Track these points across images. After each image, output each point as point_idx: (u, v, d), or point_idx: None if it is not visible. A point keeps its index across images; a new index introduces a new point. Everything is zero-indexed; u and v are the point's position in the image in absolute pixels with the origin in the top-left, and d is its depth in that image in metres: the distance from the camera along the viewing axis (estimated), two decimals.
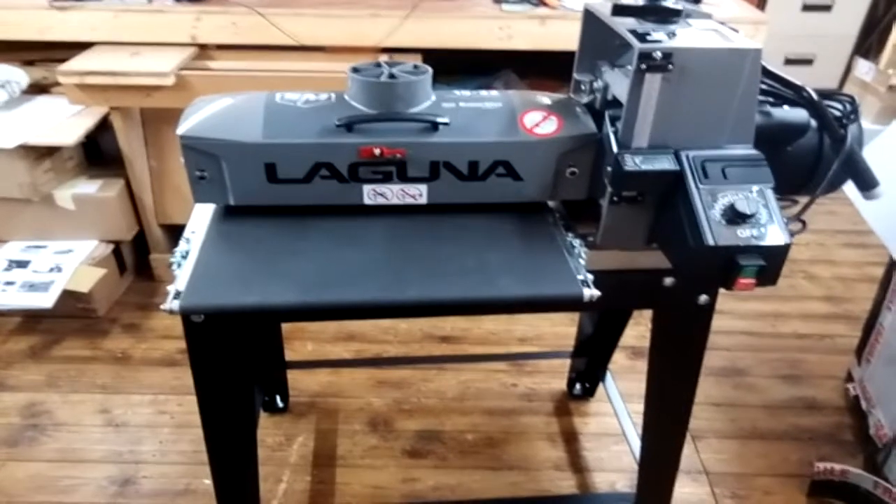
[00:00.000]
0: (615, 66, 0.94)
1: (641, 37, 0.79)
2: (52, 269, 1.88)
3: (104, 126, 1.88)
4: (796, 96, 0.90)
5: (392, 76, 0.92)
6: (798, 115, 0.90)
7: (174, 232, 2.03)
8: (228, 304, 0.83)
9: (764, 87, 0.89)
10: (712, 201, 0.80)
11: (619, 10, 0.87)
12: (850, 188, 0.93)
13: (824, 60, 3.16)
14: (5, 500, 1.42)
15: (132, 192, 1.99)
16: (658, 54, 0.77)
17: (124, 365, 1.80)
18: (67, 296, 1.84)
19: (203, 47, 1.87)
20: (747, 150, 0.84)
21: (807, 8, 3.04)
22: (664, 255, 0.90)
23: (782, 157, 0.89)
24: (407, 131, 0.90)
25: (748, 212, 0.78)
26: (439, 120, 0.89)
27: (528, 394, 1.74)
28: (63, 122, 1.83)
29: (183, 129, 0.88)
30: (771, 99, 0.91)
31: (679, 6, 0.87)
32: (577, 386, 1.72)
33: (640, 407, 1.20)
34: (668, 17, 0.86)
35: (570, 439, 1.62)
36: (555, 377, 1.77)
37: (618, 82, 0.90)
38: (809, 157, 0.91)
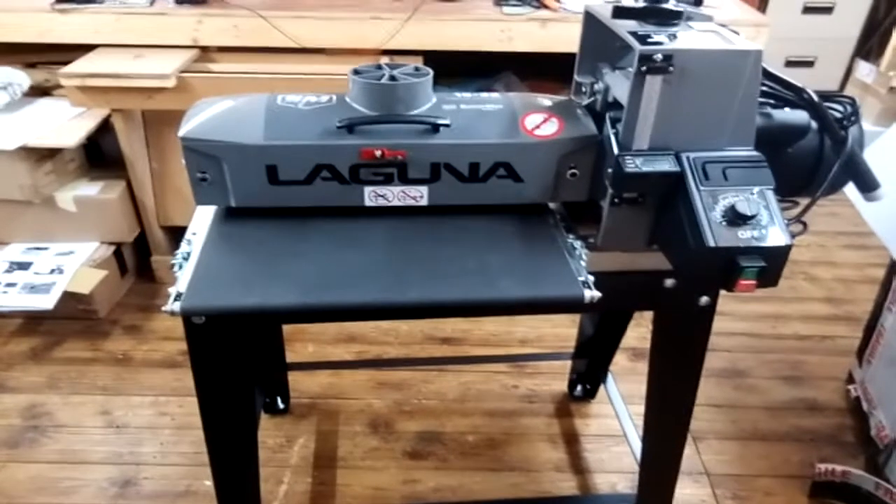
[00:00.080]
0: (616, 68, 0.94)
1: (642, 39, 0.80)
2: (53, 271, 1.88)
3: (105, 128, 1.88)
4: (797, 98, 0.90)
5: (393, 78, 0.92)
6: (799, 116, 0.90)
7: (175, 234, 2.04)
8: (229, 306, 0.83)
9: (765, 88, 0.89)
10: (713, 203, 0.80)
11: (619, 13, 0.87)
12: (851, 190, 0.94)
13: (825, 62, 3.16)
14: (6, 502, 1.42)
15: (133, 194, 1.99)
16: (659, 56, 0.77)
17: (125, 366, 1.80)
18: (68, 297, 1.84)
19: (205, 49, 1.88)
20: (748, 152, 0.84)
21: (808, 10, 3.05)
22: (665, 257, 0.90)
23: (783, 158, 0.89)
24: (408, 133, 0.90)
25: (749, 213, 0.78)
26: (440, 121, 0.89)
27: (529, 395, 1.74)
28: (64, 124, 1.83)
29: (184, 130, 0.88)
30: (772, 101, 0.91)
31: (680, 8, 0.87)
32: (578, 387, 1.72)
33: (641, 408, 1.20)
34: (668, 19, 0.86)
35: (571, 440, 1.62)
36: (556, 378, 1.77)
37: (618, 84, 0.90)
38: (810, 158, 0.91)
